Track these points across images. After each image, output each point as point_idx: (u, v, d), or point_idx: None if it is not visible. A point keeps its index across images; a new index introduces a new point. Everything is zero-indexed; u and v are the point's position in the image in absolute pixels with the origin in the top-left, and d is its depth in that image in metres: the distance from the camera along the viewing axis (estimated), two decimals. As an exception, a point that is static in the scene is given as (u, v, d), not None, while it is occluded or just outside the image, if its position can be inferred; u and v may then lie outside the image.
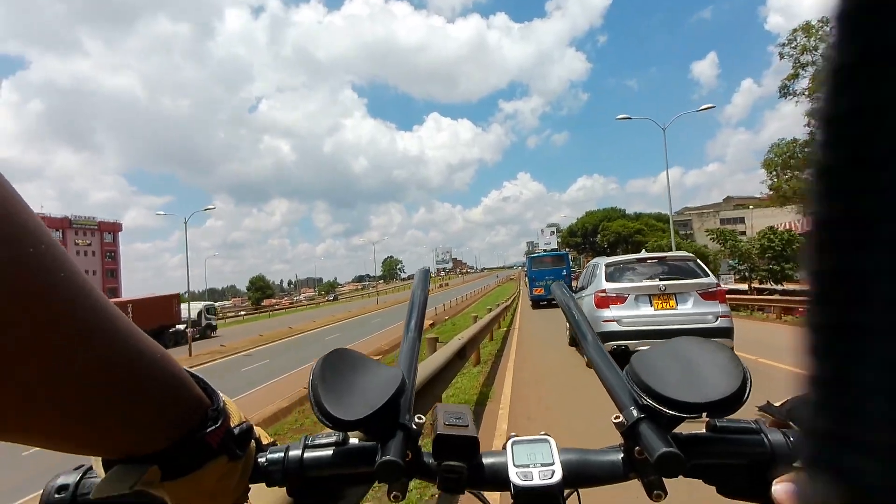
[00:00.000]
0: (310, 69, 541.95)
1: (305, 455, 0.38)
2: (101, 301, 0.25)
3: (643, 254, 6.36)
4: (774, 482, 0.32)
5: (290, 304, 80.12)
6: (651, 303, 5.33)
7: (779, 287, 23.67)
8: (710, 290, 5.28)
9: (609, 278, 5.63)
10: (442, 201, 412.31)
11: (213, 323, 31.04)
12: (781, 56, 12.69)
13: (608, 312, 5.36)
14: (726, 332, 5.03)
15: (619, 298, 5.40)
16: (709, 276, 5.44)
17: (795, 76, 12.62)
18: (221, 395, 0.35)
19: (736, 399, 0.33)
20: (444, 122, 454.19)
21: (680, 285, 5.33)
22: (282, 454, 0.38)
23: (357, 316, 32.89)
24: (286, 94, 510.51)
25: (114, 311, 0.26)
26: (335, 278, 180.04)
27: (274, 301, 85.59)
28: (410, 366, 0.42)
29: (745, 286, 25.54)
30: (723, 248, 25.61)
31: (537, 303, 21.18)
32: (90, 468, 0.35)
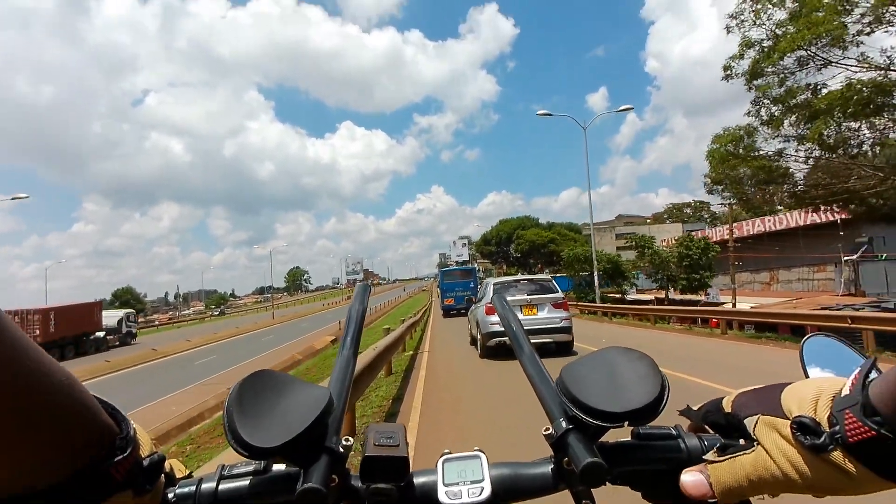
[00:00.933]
0: (209, 66, 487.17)
1: (220, 487, 0.36)
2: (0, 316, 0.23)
3: (518, 276, 9.12)
4: (683, 472, 0.35)
5: (170, 319, 70.42)
6: (521, 311, 7.95)
7: (699, 298, 24.75)
8: (558, 301, 8.25)
9: (495, 293, 5.71)
10: (354, 211, 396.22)
11: (134, 331, 31.26)
12: (728, 30, 12.07)
13: (493, 318, 7.69)
14: (567, 330, 8.01)
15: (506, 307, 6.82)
16: (558, 292, 8.52)
17: (740, 56, 12.10)
18: (132, 423, 0.33)
19: (655, 407, 0.34)
20: (359, 132, 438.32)
21: (539, 299, 8.22)
22: (194, 487, 0.36)
23: (246, 333, 29.13)
24: (180, 89, 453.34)
25: (14, 329, 0.23)
26: (233, 290, 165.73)
27: (150, 317, 74.40)
28: (342, 384, 0.41)
29: (662, 294, 26.47)
30: (640, 256, 26.29)
31: (448, 312, 23.16)
32: None
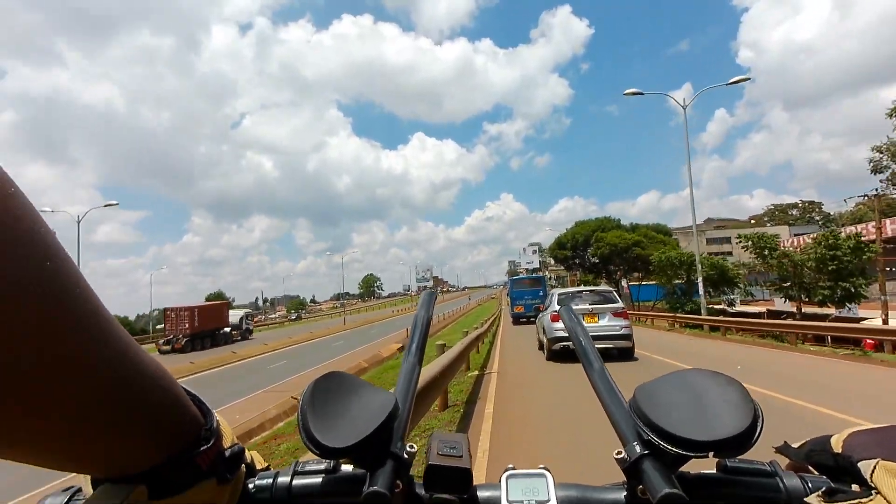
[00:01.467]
0: (295, 87, 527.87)
1: (294, 482, 0.37)
2: (106, 317, 0.24)
3: (581, 287, 12.57)
4: None
5: (255, 322, 75.13)
6: (584, 319, 7.57)
7: (829, 311, 19.21)
8: (619, 311, 9.23)
9: (559, 303, 9.14)
10: (425, 220, 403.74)
11: (251, 327, 36.51)
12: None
13: (558, 325, 8.88)
14: (627, 337, 8.95)
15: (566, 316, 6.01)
16: (618, 301, 9.53)
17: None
18: (216, 414, 0.35)
19: (746, 438, 0.31)
20: (429, 142, 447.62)
21: (600, 308, 9.20)
22: (271, 480, 0.38)
23: (318, 337, 28.96)
24: (271, 110, 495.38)
25: (117, 328, 0.25)
26: (313, 296, 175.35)
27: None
28: (407, 391, 0.41)
29: (772, 306, 22.12)
30: (759, 259, 20.76)
31: (517, 319, 23.40)
32: (79, 490, 0.35)
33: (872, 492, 0.29)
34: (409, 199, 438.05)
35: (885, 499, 0.28)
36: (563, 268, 38.96)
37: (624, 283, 36.91)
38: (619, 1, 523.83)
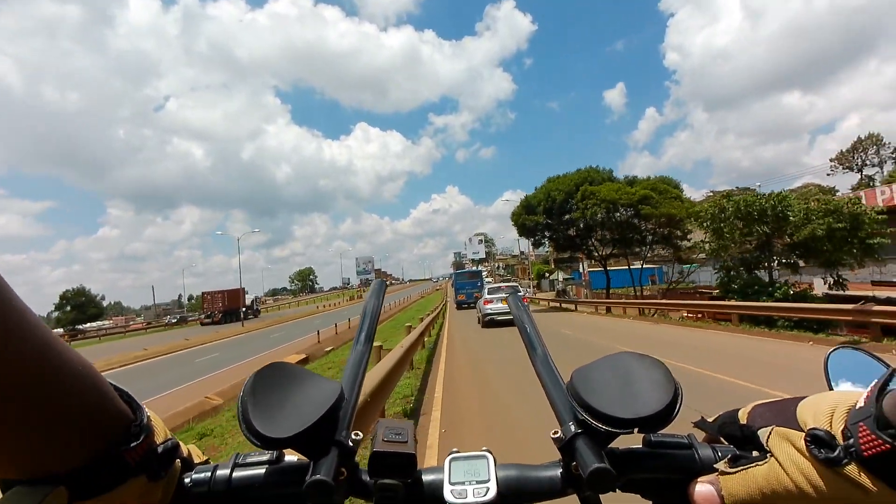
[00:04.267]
0: (228, 69, 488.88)
1: (234, 474, 0.36)
2: (23, 309, 0.23)
3: (500, 283, 28.57)
4: (696, 481, 0.35)
5: (148, 324, 59.43)
6: (500, 302, 15.33)
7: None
8: (524, 295, 28.04)
9: (488, 292, 16.69)
10: (370, 212, 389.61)
11: (258, 308, 51.69)
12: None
13: (487, 307, 15.55)
14: None
15: (490, 300, 15.75)
16: (521, 292, 27.20)
17: None
18: (147, 409, 0.34)
19: (667, 414, 0.34)
20: (374, 133, 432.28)
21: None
22: (209, 474, 0.37)
23: (183, 349, 22.65)
24: (200, 93, 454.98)
25: (36, 321, 0.24)
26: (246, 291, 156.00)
27: (106, 323, 62.15)
28: (355, 379, 0.42)
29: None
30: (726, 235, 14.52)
31: (460, 306, 30.99)
32: None
33: (768, 455, 0.32)
34: (353, 191, 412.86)
35: (776, 459, 0.31)
36: (530, 240, 28.58)
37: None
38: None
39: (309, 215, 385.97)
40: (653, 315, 16.96)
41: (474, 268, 61.40)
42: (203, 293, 47.80)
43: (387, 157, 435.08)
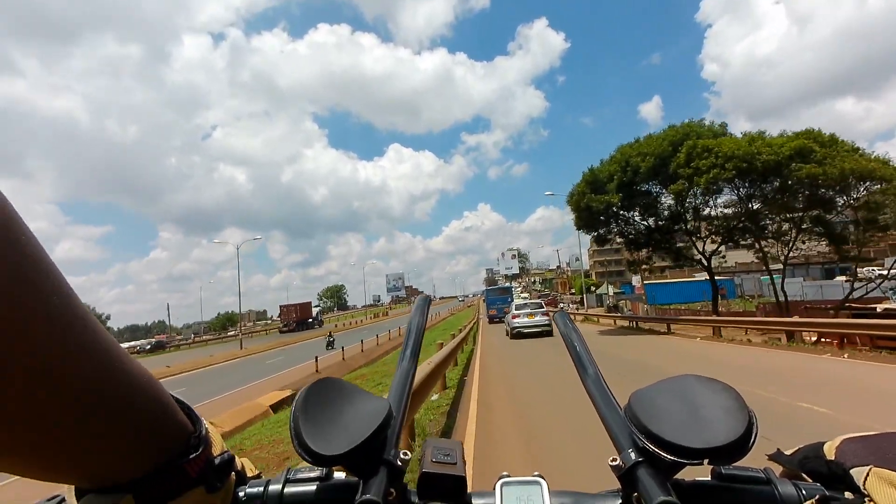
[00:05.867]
0: (269, 97, 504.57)
1: (286, 490, 0.36)
2: (92, 324, 0.24)
3: (525, 300, 21.56)
4: None
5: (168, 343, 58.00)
6: (526, 317, 17.30)
7: None
8: (544, 312, 17.68)
9: (515, 308, 18.41)
10: (402, 231, 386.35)
11: (322, 319, 62.24)
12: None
13: (515, 321, 17.29)
14: (549, 324, 16.76)
15: (518, 315, 17.51)
16: (543, 307, 18.30)
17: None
18: (205, 422, 0.34)
19: (741, 445, 0.30)
20: (406, 153, 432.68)
21: (536, 311, 17.70)
22: (262, 488, 0.37)
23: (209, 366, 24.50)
24: (243, 121, 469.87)
25: (104, 335, 0.25)
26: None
27: (160, 337, 63.95)
28: (401, 397, 0.41)
29: None
30: None
31: (492, 320, 31.87)
32: (62, 500, 0.33)
33: (865, 500, 0.29)
34: (386, 211, 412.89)
35: None
36: (592, 235, 20.46)
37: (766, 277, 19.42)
38: (594, 15, 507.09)
39: (344, 235, 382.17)
40: (779, 339, 11.39)
41: (506, 284, 65.90)
42: (280, 306, 61.06)
43: (419, 176, 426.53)
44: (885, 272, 16.84)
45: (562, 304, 51.23)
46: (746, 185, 15.38)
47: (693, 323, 15.74)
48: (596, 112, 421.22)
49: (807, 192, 14.30)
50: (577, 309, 39.00)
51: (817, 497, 0.31)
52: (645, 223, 19.64)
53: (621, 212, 18.87)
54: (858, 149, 14.35)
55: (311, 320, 56.12)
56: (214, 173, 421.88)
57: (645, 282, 39.03)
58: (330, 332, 23.16)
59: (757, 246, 17.81)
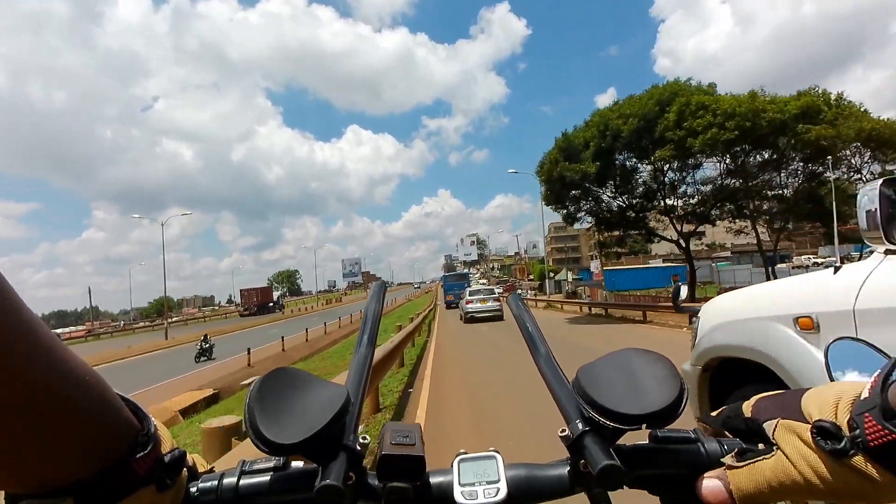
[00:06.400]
0: (219, 68, 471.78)
1: (241, 482, 0.36)
2: (30, 318, 0.23)
3: (479, 286, 23.94)
4: (703, 476, 0.35)
5: (88, 332, 51.03)
6: (479, 302, 18.30)
7: None
8: (497, 297, 18.68)
9: (469, 294, 19.72)
10: (361, 215, 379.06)
11: (282, 304, 62.71)
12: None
13: (469, 306, 18.41)
14: (500, 310, 17.79)
15: (472, 301, 18.54)
16: (495, 293, 19.49)
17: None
18: (153, 419, 0.33)
19: (673, 409, 0.34)
20: (366, 135, 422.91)
21: (488, 297, 18.78)
22: (216, 482, 0.36)
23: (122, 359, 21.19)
24: (189, 93, 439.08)
25: (43, 330, 0.24)
26: (230, 295, 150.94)
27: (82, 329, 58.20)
28: (359, 383, 0.42)
29: None
30: None
31: (448, 305, 32.70)
32: None
33: (774, 448, 0.32)
34: (344, 194, 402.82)
35: (783, 452, 0.31)
36: (562, 212, 18.23)
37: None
38: (555, 2, 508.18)
39: (300, 217, 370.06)
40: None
41: (464, 270, 67.61)
42: (241, 290, 60.74)
43: (379, 159, 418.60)
44: (819, 260, 16.51)
45: (520, 290, 50.48)
46: (739, 151, 13.69)
47: (665, 310, 14.07)
48: (555, 100, 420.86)
49: (805, 162, 12.77)
50: (536, 295, 37.85)
51: (736, 450, 0.35)
52: (618, 202, 17.76)
53: (594, 187, 16.85)
54: (867, 112, 12.91)
55: (271, 304, 57.04)
56: (157, 147, 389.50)
57: (605, 268, 38.18)
58: (206, 336, 18.19)
59: (736, 225, 16.36)
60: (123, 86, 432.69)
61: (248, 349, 14.74)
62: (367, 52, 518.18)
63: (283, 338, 17.84)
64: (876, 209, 1.36)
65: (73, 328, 60.29)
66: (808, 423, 0.30)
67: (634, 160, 16.10)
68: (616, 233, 19.45)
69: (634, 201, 17.48)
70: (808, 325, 1.57)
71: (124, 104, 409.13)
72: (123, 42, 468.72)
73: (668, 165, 14.30)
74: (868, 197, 1.39)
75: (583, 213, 18.71)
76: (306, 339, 19.40)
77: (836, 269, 1.61)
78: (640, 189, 17.16)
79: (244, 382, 10.16)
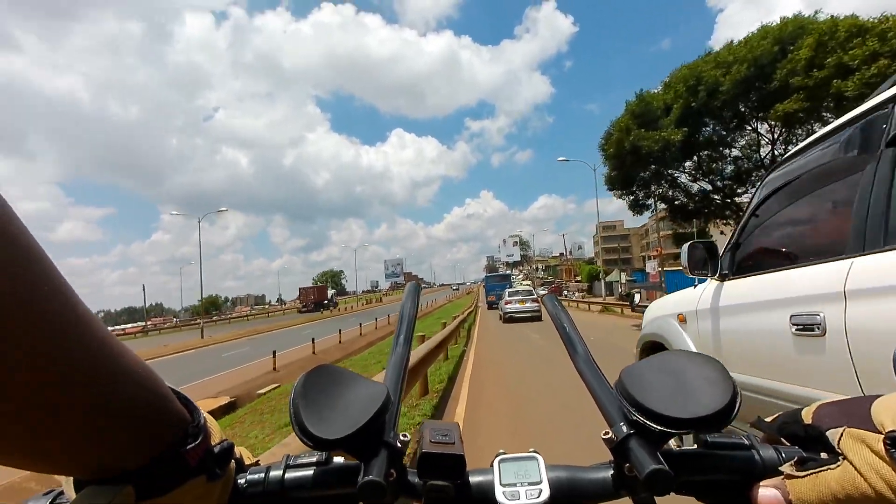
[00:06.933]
0: (272, 78, 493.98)
1: (286, 475, 0.37)
2: (86, 314, 0.24)
3: (518, 288, 22.97)
4: (760, 485, 0.33)
5: (141, 329, 53.68)
6: (518, 303, 19.00)
7: None
8: (534, 298, 19.08)
9: (508, 295, 20.14)
10: (404, 217, 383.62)
11: (336, 301, 66.44)
12: None
13: (507, 307, 19.01)
14: (538, 311, 18.36)
15: (510, 301, 19.19)
16: (534, 294, 19.88)
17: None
18: (203, 411, 0.34)
19: (725, 414, 0.32)
20: (409, 139, 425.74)
21: (526, 298, 19.51)
22: (262, 474, 0.37)
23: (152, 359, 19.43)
24: (246, 103, 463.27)
25: (98, 326, 0.25)
26: (279, 295, 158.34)
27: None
28: (397, 381, 0.42)
29: None
30: None
31: (490, 306, 32.95)
32: (61, 492, 0.33)
33: (840, 458, 0.30)
34: (388, 197, 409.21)
35: (850, 463, 0.29)
36: (628, 199, 14.64)
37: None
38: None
39: (346, 220, 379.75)
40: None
41: (506, 271, 68.85)
42: (300, 288, 64.99)
43: (422, 162, 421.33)
44: None
45: (566, 292, 47.40)
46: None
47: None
48: (602, 99, 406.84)
49: None
50: (584, 297, 34.84)
51: (796, 458, 0.33)
52: (699, 184, 14.28)
53: (674, 163, 13.29)
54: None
55: (326, 301, 60.53)
56: (217, 155, 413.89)
57: (665, 269, 34.22)
58: None
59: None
60: (188, 98, 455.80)
61: (274, 352, 13.26)
62: (413, 57, 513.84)
63: (313, 340, 16.59)
64: (686, 260, 2.35)
65: (129, 325, 62.82)
66: (881, 432, 0.28)
67: (728, 128, 12.48)
68: (694, 223, 15.88)
69: (723, 182, 13.94)
70: (682, 319, 2.49)
71: (189, 115, 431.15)
72: (189, 57, 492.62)
73: (781, 130, 10.71)
74: (683, 251, 2.39)
75: (654, 198, 15.32)
76: (339, 342, 18.13)
77: (696, 286, 2.51)
78: (731, 168, 13.63)
79: (260, 392, 9.82)
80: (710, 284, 2.23)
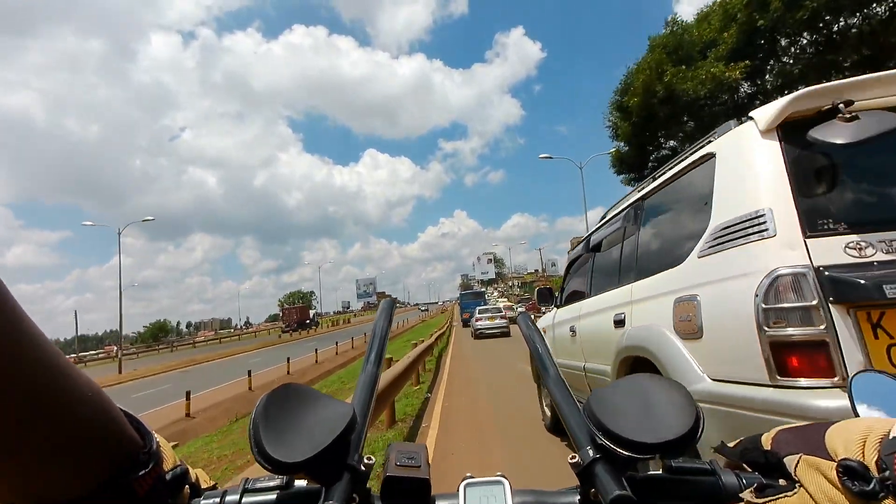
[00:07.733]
0: (242, 98, 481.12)
1: (244, 500, 0.35)
2: (29, 331, 0.23)
3: (488, 305, 27.38)
4: None
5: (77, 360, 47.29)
6: (487, 320, 20.87)
7: None
8: (503, 315, 21.20)
9: (478, 312, 22.26)
10: (378, 237, 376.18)
11: (318, 321, 68.01)
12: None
13: (478, 323, 20.87)
14: (507, 327, 20.21)
15: (480, 318, 21.12)
16: (502, 311, 21.96)
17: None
18: (156, 435, 0.33)
19: (689, 439, 0.32)
20: (383, 159, 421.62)
21: (496, 314, 21.62)
22: (218, 499, 0.36)
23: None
24: (214, 122, 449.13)
25: (47, 345, 0.24)
26: (247, 318, 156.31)
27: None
28: (366, 401, 0.41)
29: None
30: None
31: (465, 323, 32.08)
32: None
33: (797, 485, 0.30)
34: (362, 216, 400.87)
35: (806, 490, 0.29)
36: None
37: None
38: (571, 24, 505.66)
39: (319, 241, 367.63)
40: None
41: (481, 289, 70.47)
42: (283, 309, 68.46)
43: (396, 182, 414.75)
44: None
45: (543, 309, 44.41)
46: None
47: None
48: (571, 121, 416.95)
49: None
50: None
51: (755, 485, 0.33)
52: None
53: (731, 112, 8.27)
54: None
55: (307, 321, 62.27)
56: (183, 176, 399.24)
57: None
58: None
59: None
60: (153, 117, 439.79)
61: (188, 393, 10.25)
62: (386, 79, 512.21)
63: (249, 372, 14.13)
64: (538, 298, 4.51)
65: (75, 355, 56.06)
66: (833, 460, 0.28)
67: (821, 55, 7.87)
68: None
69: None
70: (545, 330, 4.21)
71: (154, 134, 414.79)
72: (154, 76, 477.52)
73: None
74: (536, 292, 4.58)
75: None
76: (287, 372, 16.20)
77: (548, 311, 4.43)
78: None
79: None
80: (554, 311, 4.14)
